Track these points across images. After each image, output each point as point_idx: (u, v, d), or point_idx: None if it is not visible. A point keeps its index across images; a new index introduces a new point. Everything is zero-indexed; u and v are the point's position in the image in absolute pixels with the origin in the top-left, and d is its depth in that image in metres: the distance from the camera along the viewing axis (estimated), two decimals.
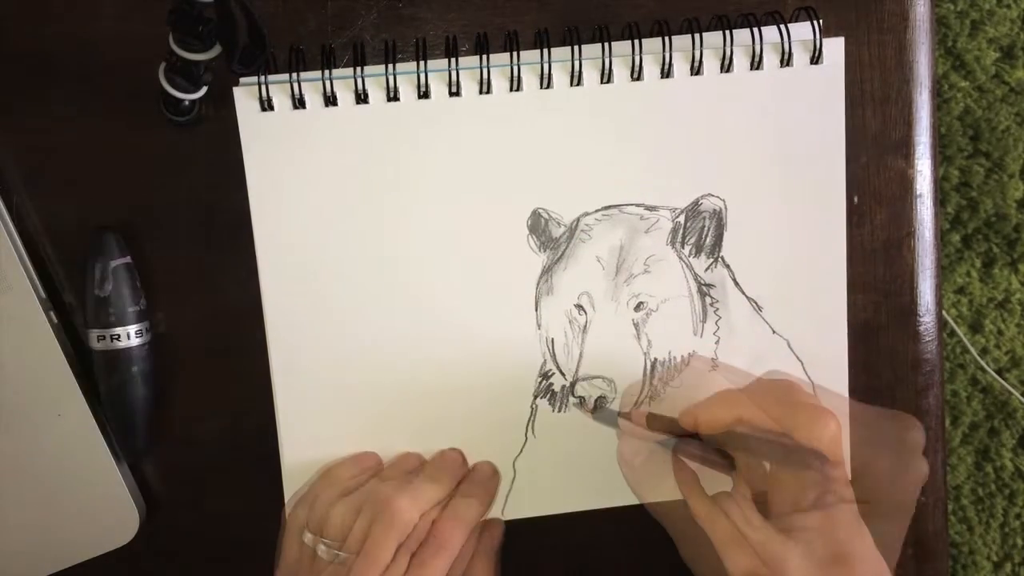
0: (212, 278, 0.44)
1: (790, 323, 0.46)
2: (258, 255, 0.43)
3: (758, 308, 0.46)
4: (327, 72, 0.42)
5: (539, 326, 0.45)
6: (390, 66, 0.42)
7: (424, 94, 0.43)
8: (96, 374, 0.43)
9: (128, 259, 0.43)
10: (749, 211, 0.45)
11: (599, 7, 0.44)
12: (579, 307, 0.45)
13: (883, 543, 0.37)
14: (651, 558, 0.46)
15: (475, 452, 0.45)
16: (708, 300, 0.45)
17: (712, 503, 0.39)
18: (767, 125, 0.44)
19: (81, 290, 0.43)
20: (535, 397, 0.45)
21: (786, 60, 0.44)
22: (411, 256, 0.44)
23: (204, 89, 0.41)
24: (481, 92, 0.43)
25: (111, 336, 0.42)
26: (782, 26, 0.43)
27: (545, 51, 0.42)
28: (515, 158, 0.44)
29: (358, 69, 0.42)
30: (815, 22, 0.43)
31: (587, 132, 0.44)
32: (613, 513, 0.46)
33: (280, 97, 0.42)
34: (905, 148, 0.46)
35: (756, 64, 0.44)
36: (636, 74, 0.43)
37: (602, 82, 0.43)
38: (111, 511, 0.44)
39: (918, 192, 0.46)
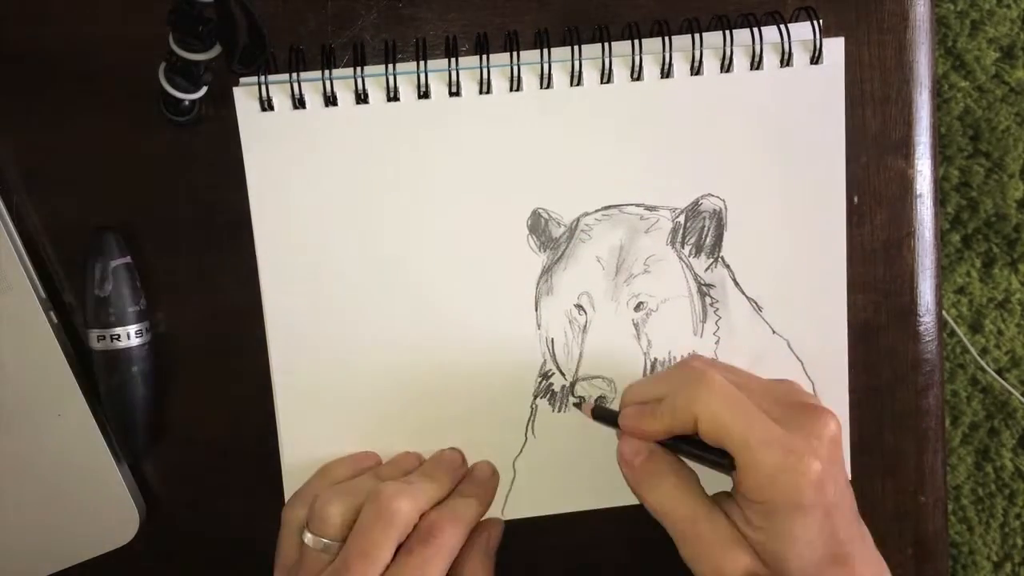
0: (212, 278, 0.44)
1: (790, 323, 0.46)
2: (258, 255, 0.43)
3: (758, 308, 0.46)
4: (327, 72, 0.42)
5: (539, 326, 0.45)
6: (390, 66, 0.42)
7: (424, 94, 0.43)
8: (96, 374, 0.43)
9: (128, 259, 0.43)
10: (749, 211, 0.45)
11: (599, 7, 0.44)
12: (579, 307, 0.45)
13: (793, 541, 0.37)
14: (651, 558, 0.46)
15: (475, 452, 0.45)
16: (708, 300, 0.45)
17: (712, 503, 0.39)
18: (767, 125, 0.44)
19: (81, 290, 0.43)
20: (535, 397, 0.45)
21: (786, 60, 0.44)
22: (411, 256, 0.44)
23: (204, 89, 0.41)
24: (481, 92, 0.43)
25: (111, 336, 0.42)
26: (782, 26, 0.43)
27: (545, 51, 0.42)
28: (515, 158, 0.44)
29: (358, 69, 0.42)
30: (815, 22, 0.43)
31: (587, 132, 0.44)
32: (613, 513, 0.46)
33: (280, 97, 0.42)
34: (905, 148, 0.46)
35: (756, 64, 0.44)
36: (636, 74, 0.43)
37: (602, 82, 0.43)
38: (111, 511, 0.44)
39: (918, 192, 0.46)
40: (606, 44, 0.43)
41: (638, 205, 0.44)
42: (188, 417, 0.45)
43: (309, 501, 0.41)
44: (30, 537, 0.44)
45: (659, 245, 0.45)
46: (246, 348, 0.44)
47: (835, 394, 0.46)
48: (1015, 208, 1.07)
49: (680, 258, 0.45)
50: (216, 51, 0.38)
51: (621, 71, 0.43)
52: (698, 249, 0.45)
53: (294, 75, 0.42)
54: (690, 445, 0.39)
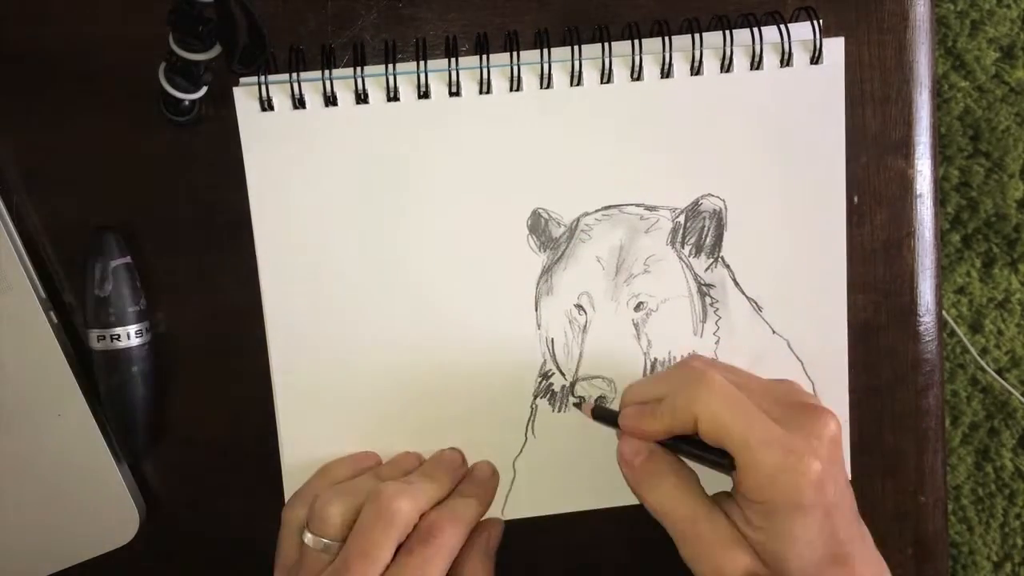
0: (212, 278, 0.44)
1: (790, 323, 0.46)
2: (258, 255, 0.43)
3: (758, 308, 0.46)
4: (327, 72, 0.42)
5: (539, 326, 0.45)
6: (390, 66, 0.42)
7: (424, 94, 0.43)
8: (96, 374, 0.43)
9: (128, 259, 0.43)
10: (749, 211, 0.45)
11: (599, 7, 0.44)
12: (579, 307, 0.45)
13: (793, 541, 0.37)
14: (651, 558, 0.46)
15: (475, 452, 0.45)
16: (708, 300, 0.45)
17: (712, 503, 0.39)
18: (767, 125, 0.44)
19: (81, 290, 0.43)
20: (535, 397, 0.45)
21: (786, 60, 0.44)
22: (411, 256, 0.44)
23: (204, 89, 0.41)
24: (481, 92, 0.43)
25: (111, 336, 0.42)
26: (782, 26, 0.43)
27: (545, 51, 0.42)
28: (515, 158, 0.44)
29: (358, 69, 0.42)
30: (815, 22, 0.43)
31: (587, 132, 0.44)
32: (613, 513, 0.46)
33: (280, 97, 0.42)
34: (905, 148, 0.46)
35: (756, 64, 0.44)
36: (636, 74, 0.43)
37: (602, 82, 0.43)
38: (111, 511, 0.44)
39: (918, 192, 0.46)
40: (606, 44, 0.43)
41: (638, 205, 0.44)
42: (188, 417, 0.45)
43: (309, 501, 0.41)
44: (30, 537, 0.44)
45: (659, 245, 0.45)
46: (246, 348, 0.44)
47: (835, 394, 0.46)
48: (1015, 208, 1.07)
49: (680, 258, 0.45)
50: (216, 51, 0.38)
51: (621, 71, 0.43)
52: (698, 249, 0.45)
53: (294, 75, 0.42)
54: (690, 445, 0.39)
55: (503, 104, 0.43)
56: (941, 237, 0.58)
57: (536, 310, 0.45)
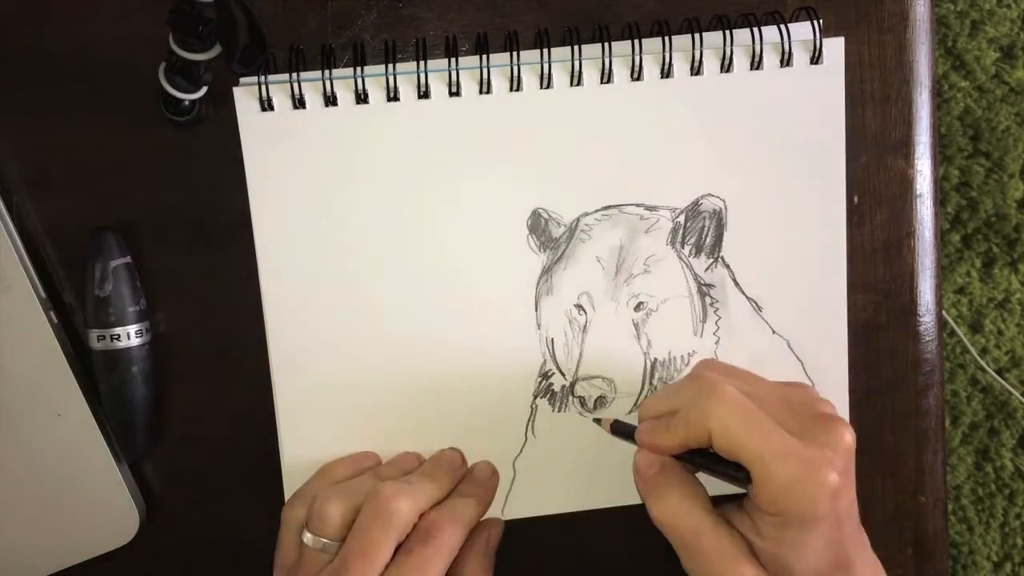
0: (212, 278, 0.44)
1: (790, 323, 0.46)
2: (258, 255, 0.43)
3: (758, 308, 0.46)
4: (327, 72, 0.42)
5: (539, 326, 0.45)
6: (390, 66, 0.42)
7: (424, 94, 0.43)
8: (96, 374, 0.43)
9: (128, 259, 0.43)
10: (749, 211, 0.45)
11: (599, 7, 0.44)
12: (579, 307, 0.45)
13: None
14: (651, 558, 0.46)
15: (475, 452, 0.45)
16: (708, 300, 0.45)
17: (717, 517, 0.39)
18: (767, 125, 0.44)
19: (81, 290, 0.43)
20: (535, 397, 0.45)
21: (786, 60, 0.44)
22: (411, 256, 0.44)
23: (204, 89, 0.41)
24: (481, 92, 0.43)
25: (111, 336, 0.42)
26: (782, 26, 0.43)
27: (545, 51, 0.42)
28: (515, 158, 0.44)
29: (358, 69, 0.42)
30: (815, 22, 0.43)
31: (587, 132, 0.44)
32: (613, 513, 0.46)
33: (280, 97, 0.42)
34: (905, 148, 0.46)
35: (756, 64, 0.44)
36: (636, 74, 0.43)
37: (602, 82, 0.43)
38: (111, 511, 0.44)
39: (918, 192, 0.46)
40: (606, 44, 0.43)
41: (638, 205, 0.44)
42: (188, 417, 0.45)
43: (309, 501, 0.41)
44: (30, 537, 0.44)
45: (659, 245, 0.45)
46: (246, 348, 0.44)
47: (835, 394, 0.46)
48: (1015, 208, 1.07)
49: (680, 258, 0.45)
50: (216, 51, 0.38)
51: (621, 71, 0.43)
52: (698, 249, 0.45)
53: (294, 75, 0.42)
54: (705, 458, 0.39)
55: (503, 104, 0.43)
56: (941, 237, 0.58)
57: (536, 310, 0.45)
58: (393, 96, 0.43)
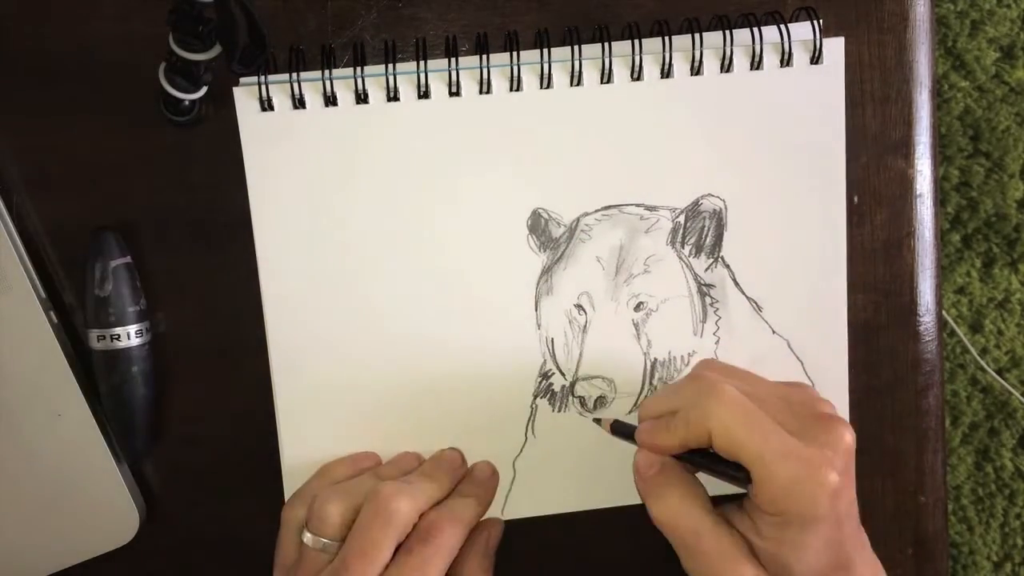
0: (212, 278, 0.44)
1: (790, 323, 0.46)
2: (258, 255, 0.43)
3: (758, 308, 0.46)
4: (327, 72, 0.42)
5: (539, 326, 0.45)
6: (390, 66, 0.42)
7: (424, 94, 0.43)
8: (96, 374, 0.43)
9: (128, 259, 0.43)
10: (749, 211, 0.45)
11: (599, 7, 0.44)
12: (579, 307, 0.45)
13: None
14: (651, 558, 0.46)
15: (475, 452, 0.45)
16: (708, 300, 0.45)
17: (717, 517, 0.39)
18: (767, 125, 0.44)
19: (81, 290, 0.43)
20: (535, 397, 0.45)
21: (786, 60, 0.44)
22: (411, 256, 0.44)
23: (204, 89, 0.41)
24: (481, 92, 0.43)
25: (111, 336, 0.42)
26: (782, 26, 0.43)
27: (545, 51, 0.42)
28: (515, 158, 0.44)
29: (358, 69, 0.42)
30: (815, 22, 0.43)
31: (587, 132, 0.44)
32: (613, 513, 0.46)
33: (280, 97, 0.42)
34: (905, 148, 0.46)
35: (756, 64, 0.44)
36: (636, 74, 0.43)
37: (602, 82, 0.43)
38: (111, 511, 0.44)
39: (918, 192, 0.46)
40: (606, 44, 0.43)
41: (638, 205, 0.44)
42: (188, 417, 0.45)
43: (309, 501, 0.41)
44: (30, 537, 0.44)
45: (659, 245, 0.45)
46: (246, 348, 0.44)
47: (835, 394, 0.46)
48: (1015, 208, 1.07)
49: (680, 258, 0.45)
50: (216, 51, 0.38)
51: (621, 71, 0.43)
52: (698, 249, 0.45)
53: (294, 75, 0.42)
54: (705, 459, 0.39)
55: (503, 104, 0.43)
56: (941, 237, 0.58)
57: (536, 310, 0.45)
58: (393, 96, 0.43)
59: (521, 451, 0.46)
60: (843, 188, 0.45)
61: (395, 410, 0.45)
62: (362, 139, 0.43)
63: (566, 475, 0.46)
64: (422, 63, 0.42)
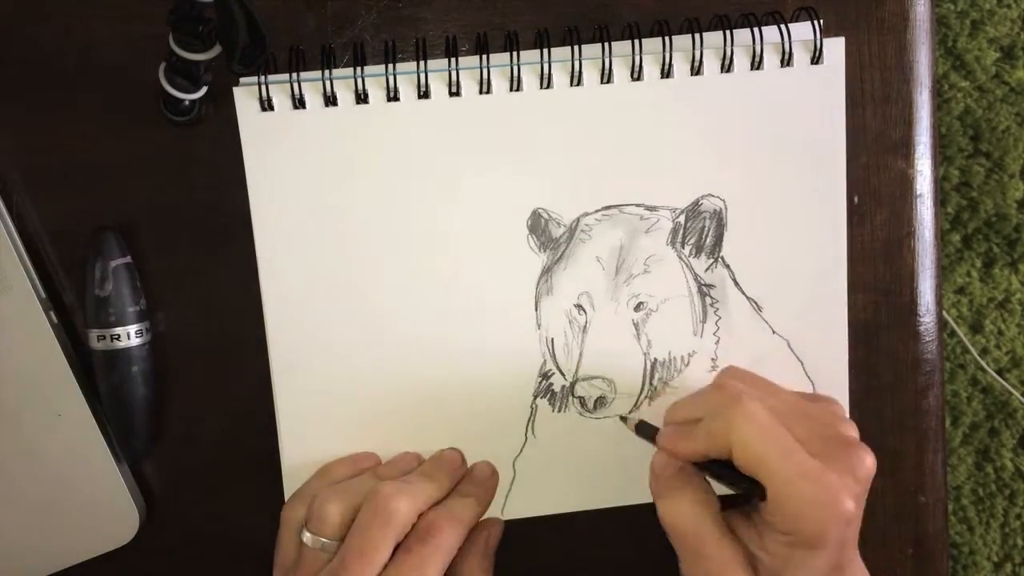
0: (212, 278, 0.44)
1: (790, 323, 0.46)
2: (258, 255, 0.43)
3: (758, 308, 0.46)
4: (327, 72, 0.42)
5: (539, 326, 0.45)
6: (390, 66, 0.42)
7: (424, 94, 0.43)
8: (96, 374, 0.43)
9: (128, 259, 0.43)
10: (749, 211, 0.45)
11: (599, 7, 0.44)
12: (579, 307, 0.45)
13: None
14: (651, 558, 0.46)
15: (474, 452, 0.45)
16: (708, 300, 0.45)
17: (724, 527, 0.39)
18: (767, 125, 0.44)
19: (81, 290, 0.43)
20: (535, 397, 0.45)
21: (786, 60, 0.44)
22: (411, 256, 0.44)
23: (204, 89, 0.41)
24: (481, 92, 0.43)
25: (111, 336, 0.42)
26: (782, 26, 0.43)
27: (545, 51, 0.42)
28: (515, 158, 0.44)
29: (358, 69, 0.42)
30: (815, 22, 0.43)
31: (587, 132, 0.44)
32: (613, 513, 0.46)
33: (280, 97, 0.42)
34: (905, 148, 0.46)
35: (756, 64, 0.44)
36: (636, 74, 0.43)
37: (602, 82, 0.43)
38: (111, 511, 0.44)
39: (918, 192, 0.46)
40: (606, 44, 0.43)
41: (638, 205, 0.44)
42: (188, 417, 0.45)
43: (308, 501, 0.41)
44: (30, 537, 0.44)
45: (659, 245, 0.45)
46: (246, 348, 0.44)
47: (835, 394, 0.46)
48: (1015, 208, 1.07)
49: (680, 258, 0.45)
50: (216, 51, 0.38)
51: (621, 71, 0.43)
52: (698, 249, 0.45)
53: (294, 75, 0.42)
54: (723, 469, 0.39)
55: (503, 104, 0.43)
56: (941, 237, 0.58)
57: (536, 310, 0.45)
58: (393, 96, 0.43)
59: (521, 451, 0.46)
60: (843, 188, 0.45)
61: (395, 410, 0.45)
62: (362, 139, 0.43)
63: (566, 475, 0.46)
64: (422, 63, 0.42)
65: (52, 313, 0.43)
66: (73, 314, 0.44)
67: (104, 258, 0.42)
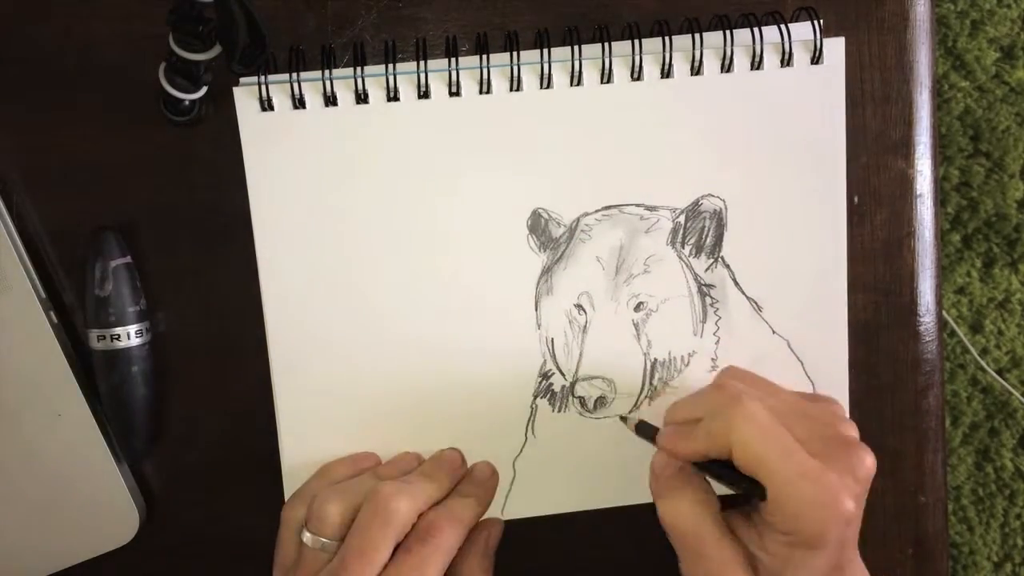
0: (212, 278, 0.44)
1: (790, 323, 0.46)
2: (258, 255, 0.43)
3: (758, 308, 0.46)
4: (327, 72, 0.42)
5: (539, 326, 0.45)
6: (390, 66, 0.42)
7: (424, 94, 0.43)
8: (96, 374, 0.43)
9: (128, 259, 0.43)
10: (749, 211, 0.45)
11: (599, 7, 0.44)
12: (579, 307, 0.45)
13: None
14: (651, 558, 0.46)
15: (475, 452, 0.45)
16: (708, 300, 0.45)
17: (724, 527, 0.39)
18: (767, 125, 0.44)
19: (81, 290, 0.43)
20: (535, 397, 0.45)
21: (786, 60, 0.44)
22: (411, 256, 0.44)
23: (204, 89, 0.41)
24: (481, 92, 0.43)
25: (111, 336, 0.42)
26: (782, 26, 0.43)
27: (545, 51, 0.42)
28: (515, 158, 0.44)
29: (358, 69, 0.42)
30: (815, 22, 0.43)
31: (587, 132, 0.44)
32: (613, 513, 0.46)
33: (280, 97, 0.42)
34: (905, 148, 0.46)
35: (756, 64, 0.44)
36: (636, 74, 0.43)
37: (602, 82, 0.43)
38: (111, 511, 0.44)
39: (918, 192, 0.46)
40: (606, 44, 0.43)
41: (638, 205, 0.44)
42: (188, 417, 0.45)
43: (308, 500, 0.41)
44: (30, 537, 0.44)
45: (659, 245, 0.45)
46: (246, 348, 0.44)
47: (835, 394, 0.46)
48: (1015, 208, 1.07)
49: (680, 258, 0.45)
50: (216, 51, 0.38)
51: (621, 71, 0.43)
52: (698, 249, 0.45)
53: (294, 75, 0.42)
54: (723, 469, 0.39)
55: (503, 104, 0.43)
56: (941, 237, 0.58)
57: (536, 310, 0.45)
58: (393, 96, 0.43)
59: (521, 451, 0.46)
60: (843, 188, 0.45)
61: (395, 410, 0.45)
62: (362, 139, 0.43)
63: (566, 475, 0.46)
64: (422, 63, 0.42)
65: (52, 313, 0.43)
66: (73, 314, 0.44)
67: (104, 258, 0.42)
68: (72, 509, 0.44)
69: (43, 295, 0.43)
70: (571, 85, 0.43)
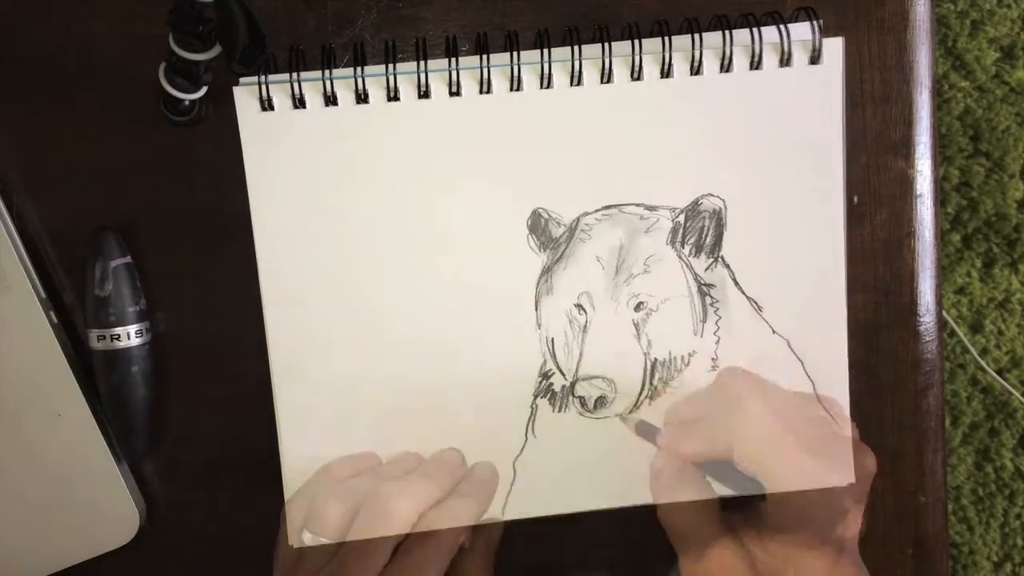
0: (212, 278, 0.44)
1: (790, 323, 0.46)
2: (258, 255, 0.43)
3: (758, 308, 0.46)
4: (327, 72, 0.42)
5: (539, 326, 0.45)
6: (390, 66, 0.42)
7: (424, 94, 0.43)
8: (96, 374, 0.43)
9: (128, 259, 0.43)
10: (749, 211, 0.45)
11: (599, 7, 0.44)
12: (579, 307, 0.45)
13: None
14: (651, 558, 0.46)
15: (475, 452, 0.45)
16: (708, 300, 0.45)
17: (723, 528, 0.39)
18: (766, 125, 0.44)
19: (81, 290, 0.43)
20: (535, 397, 0.45)
21: (786, 60, 0.44)
22: (411, 256, 0.44)
23: (204, 89, 0.41)
24: (481, 92, 0.43)
25: (111, 336, 0.42)
26: (782, 26, 0.43)
27: (545, 51, 0.42)
28: (515, 158, 0.44)
29: (358, 69, 0.42)
30: (815, 22, 0.43)
31: (587, 132, 0.44)
32: (613, 513, 0.46)
33: (280, 97, 0.42)
34: (905, 148, 0.46)
35: (756, 64, 0.44)
36: (636, 74, 0.43)
37: (602, 82, 0.43)
38: (111, 511, 0.44)
39: (918, 192, 0.46)
40: (606, 44, 0.43)
41: (638, 205, 0.44)
42: (188, 417, 0.45)
43: (308, 500, 0.41)
44: (30, 537, 0.44)
45: (659, 245, 0.45)
46: (246, 348, 0.44)
47: (835, 394, 0.46)
48: (1015, 208, 1.07)
49: (680, 258, 0.45)
50: (216, 51, 0.38)
51: (621, 71, 0.43)
52: (698, 249, 0.45)
53: (294, 75, 0.42)
54: (724, 470, 0.39)
55: (503, 104, 0.43)
56: (941, 237, 0.58)
57: (536, 310, 0.45)
58: (393, 96, 0.43)
59: (521, 451, 0.46)
60: (843, 188, 0.45)
61: (395, 410, 0.45)
62: (362, 139, 0.43)
63: (566, 475, 0.46)
64: (422, 63, 0.42)
65: (52, 313, 0.43)
66: (73, 314, 0.44)
67: (104, 258, 0.42)
68: (72, 509, 0.44)
69: (43, 295, 0.43)
70: (571, 85, 0.43)
